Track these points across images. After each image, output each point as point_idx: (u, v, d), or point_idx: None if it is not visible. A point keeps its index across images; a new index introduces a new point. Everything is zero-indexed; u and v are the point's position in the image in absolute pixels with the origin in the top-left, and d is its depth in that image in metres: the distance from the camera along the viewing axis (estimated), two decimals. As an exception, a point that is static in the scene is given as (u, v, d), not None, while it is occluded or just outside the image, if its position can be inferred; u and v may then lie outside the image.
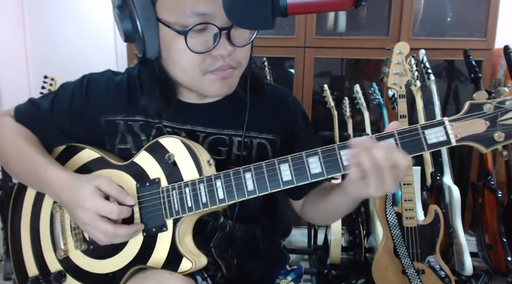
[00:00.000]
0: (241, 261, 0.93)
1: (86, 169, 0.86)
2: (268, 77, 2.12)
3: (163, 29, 0.73)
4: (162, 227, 0.77)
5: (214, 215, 0.86)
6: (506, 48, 1.94)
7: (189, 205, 0.75)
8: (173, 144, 0.79)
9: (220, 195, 0.74)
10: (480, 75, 1.93)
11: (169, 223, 0.77)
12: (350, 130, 2.20)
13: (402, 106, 1.60)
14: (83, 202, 0.74)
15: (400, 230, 1.62)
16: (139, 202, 0.80)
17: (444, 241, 1.71)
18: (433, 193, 1.88)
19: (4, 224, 1.92)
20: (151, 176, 0.80)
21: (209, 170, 0.77)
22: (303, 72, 2.40)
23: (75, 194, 0.75)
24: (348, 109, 2.21)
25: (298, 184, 0.70)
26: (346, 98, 2.24)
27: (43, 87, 2.04)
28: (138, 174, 0.81)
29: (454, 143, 0.63)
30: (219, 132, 0.87)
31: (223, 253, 0.91)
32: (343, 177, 0.71)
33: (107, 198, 0.76)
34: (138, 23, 0.72)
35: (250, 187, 0.72)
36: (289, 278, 1.02)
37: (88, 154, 0.88)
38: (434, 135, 0.64)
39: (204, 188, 0.74)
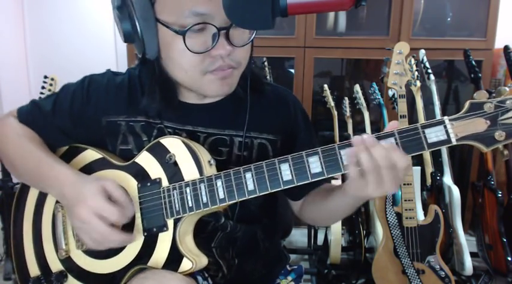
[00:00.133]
0: (242, 261, 0.93)
1: (88, 169, 0.87)
2: (268, 77, 2.12)
3: (162, 29, 0.73)
4: (163, 227, 0.77)
5: (215, 215, 0.86)
6: (506, 48, 1.94)
7: (190, 205, 0.75)
8: (174, 144, 0.79)
9: (221, 195, 0.74)
10: (480, 75, 1.93)
11: (170, 223, 0.77)
12: (350, 130, 2.20)
13: (402, 106, 1.60)
14: (86, 199, 0.74)
15: (400, 230, 1.63)
16: (140, 202, 0.80)
17: (444, 241, 1.71)
18: (433, 193, 1.88)
19: (4, 224, 1.92)
20: (153, 176, 0.80)
21: (210, 170, 0.77)
22: (303, 72, 2.40)
23: (79, 191, 0.75)
24: (348, 109, 2.21)
25: (298, 184, 0.70)
26: (346, 98, 2.24)
27: (43, 87, 2.04)
28: (140, 174, 0.81)
29: (454, 142, 0.63)
30: (219, 132, 0.87)
31: (224, 253, 0.91)
32: (344, 177, 0.71)
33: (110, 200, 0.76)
34: (137, 24, 0.72)
35: (251, 186, 0.72)
36: (289, 278, 1.02)
37: (90, 154, 0.89)
38: (434, 134, 0.64)
39: (205, 188, 0.75)
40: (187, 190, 0.76)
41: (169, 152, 0.78)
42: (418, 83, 1.86)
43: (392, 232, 1.62)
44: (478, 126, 0.63)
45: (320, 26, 2.39)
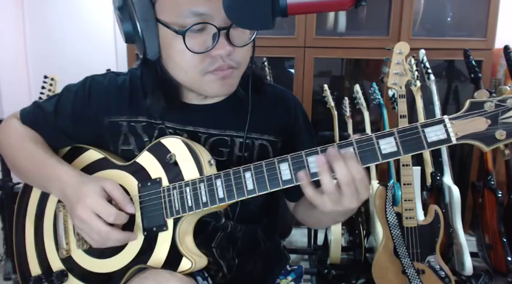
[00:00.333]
0: (242, 261, 0.93)
1: (90, 169, 0.87)
2: (268, 77, 2.12)
3: (162, 29, 0.73)
4: (163, 227, 0.77)
5: (215, 215, 0.86)
6: (506, 48, 1.94)
7: (190, 204, 0.75)
8: (175, 144, 0.79)
9: (220, 195, 0.74)
10: (480, 75, 1.93)
11: (170, 222, 0.77)
12: (350, 130, 2.20)
13: (402, 106, 1.60)
14: (85, 198, 0.74)
15: (400, 230, 1.63)
16: (140, 201, 0.80)
17: (444, 241, 1.71)
18: (433, 193, 1.88)
19: (4, 224, 1.92)
20: (153, 176, 0.80)
21: (210, 170, 0.77)
22: (303, 72, 2.41)
23: (79, 190, 0.76)
24: (348, 109, 2.21)
25: (298, 183, 0.70)
26: (346, 98, 2.24)
27: (43, 87, 2.04)
28: (140, 174, 0.81)
29: (454, 141, 0.63)
30: (220, 133, 0.87)
31: (225, 253, 0.91)
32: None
33: (110, 201, 0.76)
34: (138, 24, 0.72)
35: (250, 186, 0.72)
36: (289, 278, 1.02)
37: (92, 154, 0.89)
38: (434, 133, 0.64)
39: (205, 187, 0.75)
40: (187, 189, 0.76)
41: (170, 152, 0.78)
42: (418, 83, 1.86)
43: (392, 232, 1.62)
44: (478, 125, 0.63)
45: (320, 26, 2.39)
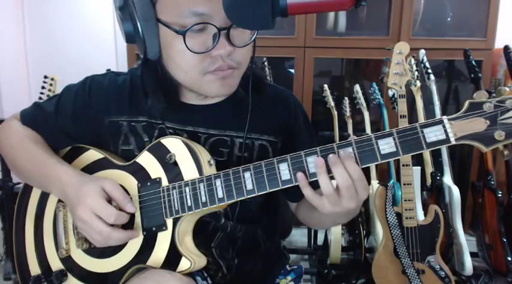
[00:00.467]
0: (241, 261, 0.93)
1: (90, 169, 0.87)
2: (268, 77, 2.12)
3: (163, 29, 0.73)
4: (162, 227, 0.77)
5: (215, 215, 0.86)
6: (506, 48, 1.94)
7: (189, 204, 0.75)
8: (174, 144, 0.79)
9: (220, 195, 0.74)
10: (480, 75, 1.93)
11: (169, 222, 0.77)
12: (350, 130, 2.20)
13: (402, 106, 1.60)
14: (85, 198, 0.74)
15: (400, 230, 1.62)
16: (140, 201, 0.80)
17: (444, 241, 1.71)
18: (433, 193, 1.88)
19: (4, 224, 1.92)
20: (153, 176, 0.80)
21: (209, 170, 0.77)
22: (303, 72, 2.41)
23: (80, 192, 0.76)
24: (348, 109, 2.21)
25: (297, 183, 0.70)
26: (346, 98, 2.24)
27: (43, 87, 2.04)
28: (140, 173, 0.81)
29: (453, 142, 0.63)
30: (220, 133, 0.87)
31: (224, 253, 0.91)
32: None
33: (110, 201, 0.76)
34: (139, 24, 0.72)
35: (249, 186, 0.72)
36: (289, 278, 1.02)
37: (92, 154, 0.89)
38: (433, 134, 0.64)
39: (204, 187, 0.75)
40: (187, 189, 0.76)
41: (170, 152, 0.79)
42: (418, 83, 1.86)
43: (392, 232, 1.62)
44: (477, 125, 0.63)
45: (320, 26, 2.39)
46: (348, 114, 2.21)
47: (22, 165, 0.89)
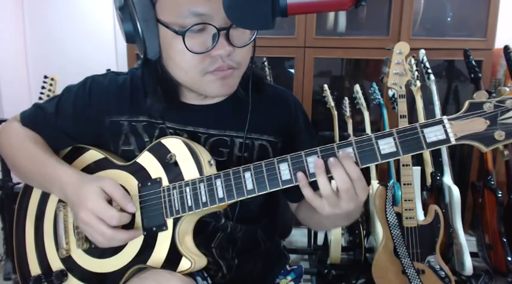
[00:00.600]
0: (241, 261, 0.93)
1: (90, 169, 0.87)
2: (268, 77, 2.12)
3: (162, 29, 0.73)
4: (162, 227, 0.77)
5: (215, 216, 0.86)
6: (506, 48, 1.94)
7: (189, 204, 0.75)
8: (175, 144, 0.79)
9: (220, 194, 0.74)
10: (480, 75, 1.93)
11: (170, 222, 0.77)
12: (350, 130, 2.20)
13: (402, 106, 1.60)
14: (86, 201, 0.74)
15: (400, 230, 1.63)
16: (140, 201, 0.80)
17: (444, 241, 1.71)
18: (433, 193, 1.88)
19: (4, 224, 1.92)
20: (153, 176, 0.80)
21: (210, 170, 0.77)
22: (303, 72, 2.41)
23: (80, 192, 0.76)
24: (348, 109, 2.21)
25: (297, 184, 0.70)
26: (346, 98, 2.24)
27: (43, 87, 2.04)
28: (140, 173, 0.81)
29: (453, 142, 0.63)
30: (220, 133, 0.87)
31: (224, 253, 0.91)
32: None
33: (111, 201, 0.76)
34: (138, 24, 0.72)
35: (250, 186, 0.72)
36: (289, 278, 1.02)
37: (93, 154, 0.89)
38: (433, 134, 0.64)
39: (204, 187, 0.75)
40: (187, 189, 0.76)
41: (170, 152, 0.79)
42: (418, 83, 1.86)
43: (392, 232, 1.62)
44: (477, 125, 0.63)
45: (320, 26, 2.39)
46: (348, 114, 2.21)
47: (22, 165, 0.89)
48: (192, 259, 0.75)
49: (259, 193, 0.72)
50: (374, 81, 2.23)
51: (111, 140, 0.89)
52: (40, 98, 2.00)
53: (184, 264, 0.75)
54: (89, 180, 0.78)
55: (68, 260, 0.86)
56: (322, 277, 1.98)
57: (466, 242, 1.79)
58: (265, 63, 2.15)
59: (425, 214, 1.71)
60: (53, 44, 2.82)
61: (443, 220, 1.64)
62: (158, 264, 0.76)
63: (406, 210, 1.62)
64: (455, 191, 1.82)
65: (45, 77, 2.05)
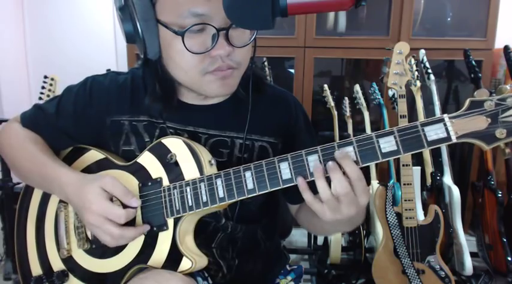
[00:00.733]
0: (242, 261, 0.93)
1: (91, 169, 0.87)
2: (268, 77, 2.12)
3: (162, 29, 0.73)
4: (163, 226, 0.77)
5: (215, 216, 0.86)
6: (506, 48, 1.94)
7: (190, 204, 0.75)
8: (175, 144, 0.79)
9: (221, 194, 0.74)
10: (480, 75, 1.93)
11: (170, 222, 0.77)
12: (350, 130, 2.20)
13: (402, 106, 1.60)
14: (90, 204, 0.74)
15: (400, 230, 1.63)
16: (141, 201, 0.80)
17: (444, 241, 1.71)
18: (433, 193, 1.88)
19: (4, 224, 1.92)
20: (154, 176, 0.80)
21: (210, 170, 0.77)
22: (303, 72, 2.41)
23: (82, 195, 0.76)
24: (348, 109, 2.21)
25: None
26: (346, 98, 2.24)
27: (43, 87, 2.04)
28: (141, 173, 0.81)
29: (454, 140, 0.63)
30: (220, 133, 0.87)
31: (225, 253, 0.91)
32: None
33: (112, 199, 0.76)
34: (138, 24, 0.73)
35: (250, 185, 0.72)
36: (289, 278, 1.02)
37: (94, 155, 0.89)
38: (434, 132, 0.64)
39: (205, 187, 0.75)
40: (188, 189, 0.76)
41: (171, 152, 0.79)
42: (418, 83, 1.87)
43: (392, 232, 1.62)
44: (478, 123, 0.62)
45: (320, 26, 2.39)
46: (348, 114, 2.21)
47: (22, 165, 0.89)
48: (193, 259, 0.75)
49: (260, 193, 0.72)
50: (374, 81, 2.23)
51: (111, 140, 0.89)
52: (40, 98, 2.00)
53: (185, 264, 0.75)
54: (88, 180, 0.78)
55: (69, 261, 0.86)
56: (322, 277, 1.98)
57: (466, 242, 1.79)
58: (265, 63, 2.15)
59: (425, 214, 1.71)
60: (53, 44, 2.82)
61: (443, 220, 1.64)
62: (159, 264, 0.76)
63: (406, 210, 1.62)
64: (455, 191, 1.82)
65: (45, 77, 2.05)
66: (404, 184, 1.61)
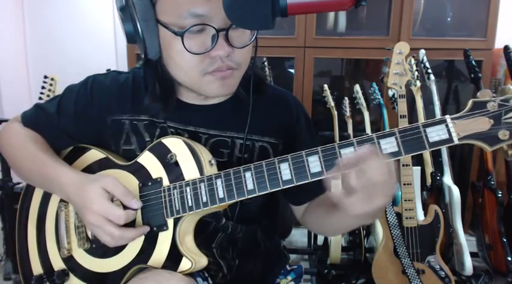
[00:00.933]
0: (242, 261, 0.93)
1: (91, 169, 0.87)
2: (268, 77, 2.12)
3: (162, 30, 0.74)
4: (163, 227, 0.77)
5: (216, 216, 0.86)
6: (506, 48, 1.94)
7: (190, 204, 0.75)
8: (175, 144, 0.79)
9: (221, 194, 0.74)
10: (480, 75, 1.93)
11: (170, 222, 0.77)
12: (350, 130, 2.20)
13: (402, 106, 1.60)
14: (91, 204, 0.74)
15: (400, 230, 1.63)
16: (141, 201, 0.80)
17: (444, 241, 1.71)
18: (433, 193, 1.88)
19: (4, 224, 1.92)
20: (154, 176, 0.80)
21: (210, 170, 0.77)
22: (303, 72, 2.41)
23: (83, 195, 0.76)
24: (348, 109, 2.21)
25: (297, 184, 0.70)
26: (346, 98, 2.24)
27: (43, 87, 2.04)
28: (141, 173, 0.81)
29: (456, 141, 0.63)
30: (221, 134, 0.87)
31: (225, 253, 0.91)
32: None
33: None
34: (139, 25, 0.73)
35: (250, 186, 0.72)
36: (289, 278, 1.02)
37: (94, 154, 0.89)
38: (436, 133, 0.63)
39: (205, 187, 0.75)
40: (188, 189, 0.76)
41: (171, 152, 0.78)
42: (418, 83, 1.87)
43: (392, 232, 1.62)
44: (481, 125, 0.62)
45: (320, 26, 2.39)
46: (348, 114, 2.21)
47: (23, 165, 0.89)
48: (193, 259, 0.75)
49: (260, 193, 0.72)
50: (374, 81, 2.23)
51: (112, 139, 0.89)
52: (40, 98, 2.00)
53: (185, 264, 0.75)
54: (89, 180, 0.78)
55: (69, 260, 0.86)
56: (322, 277, 1.98)
57: (466, 242, 1.79)
58: (265, 63, 2.15)
59: (425, 214, 1.71)
60: (53, 44, 2.82)
61: (443, 220, 1.64)
62: (159, 264, 0.76)
63: (406, 210, 1.62)
64: (455, 191, 1.82)
65: (45, 77, 2.05)
66: (404, 184, 1.61)
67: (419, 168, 1.83)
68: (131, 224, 0.79)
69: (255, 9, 0.53)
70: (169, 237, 0.77)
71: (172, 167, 0.78)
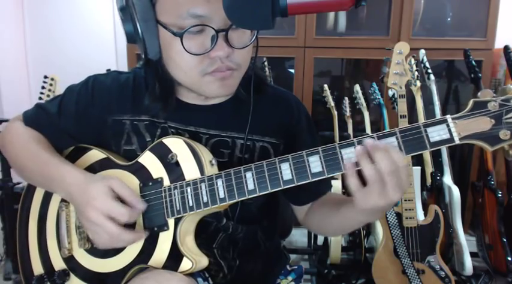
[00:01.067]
0: (242, 262, 0.93)
1: (92, 169, 0.87)
2: (268, 77, 2.12)
3: (162, 30, 0.74)
4: (164, 227, 0.77)
5: (216, 216, 0.86)
6: (506, 48, 1.94)
7: (190, 204, 0.75)
8: (176, 144, 0.79)
9: (221, 194, 0.74)
10: (480, 75, 1.93)
11: (171, 222, 0.77)
12: (350, 130, 2.21)
13: (402, 106, 1.60)
14: (94, 200, 0.73)
15: (400, 230, 1.63)
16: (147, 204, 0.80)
17: (444, 241, 1.71)
18: (433, 193, 1.88)
19: (4, 224, 1.92)
20: (155, 176, 0.80)
21: (211, 170, 0.77)
22: (303, 72, 2.41)
23: (86, 192, 0.75)
24: (348, 109, 2.21)
25: (298, 184, 0.70)
26: (346, 98, 2.25)
27: (43, 87, 2.04)
28: (142, 173, 0.81)
29: (457, 141, 0.63)
30: (221, 134, 0.87)
31: (225, 253, 0.91)
32: (344, 177, 0.71)
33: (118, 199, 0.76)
34: (138, 25, 0.73)
35: (251, 186, 0.72)
36: (289, 278, 1.02)
37: (95, 154, 0.89)
38: (437, 133, 0.63)
39: (205, 187, 0.75)
40: (188, 189, 0.76)
41: (172, 152, 0.78)
42: (418, 83, 1.87)
43: (392, 232, 1.62)
44: (482, 124, 0.62)
45: (320, 26, 2.39)
46: (348, 114, 2.21)
47: (25, 165, 0.89)
48: (193, 259, 0.75)
49: (261, 193, 0.72)
50: (374, 81, 2.23)
51: (113, 139, 0.89)
52: (40, 98, 2.00)
53: (185, 264, 0.75)
54: (94, 179, 0.78)
55: (70, 260, 0.86)
56: (322, 277, 1.98)
57: (466, 242, 1.79)
58: (265, 63, 2.15)
59: (425, 214, 1.71)
60: (53, 44, 2.82)
61: (443, 220, 1.64)
62: (159, 264, 0.76)
63: (406, 210, 1.62)
64: (455, 191, 1.82)
65: (45, 77, 2.05)
66: (404, 185, 1.61)
67: (419, 168, 1.83)
68: (131, 225, 0.79)
69: (255, 9, 0.54)
70: (170, 237, 0.77)
71: (173, 167, 0.78)
